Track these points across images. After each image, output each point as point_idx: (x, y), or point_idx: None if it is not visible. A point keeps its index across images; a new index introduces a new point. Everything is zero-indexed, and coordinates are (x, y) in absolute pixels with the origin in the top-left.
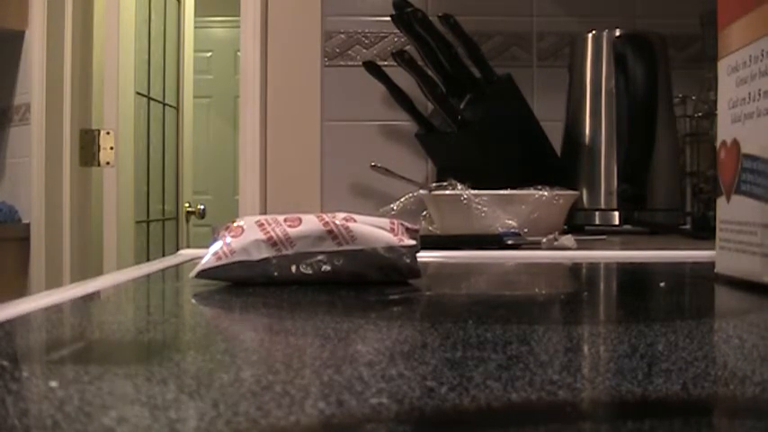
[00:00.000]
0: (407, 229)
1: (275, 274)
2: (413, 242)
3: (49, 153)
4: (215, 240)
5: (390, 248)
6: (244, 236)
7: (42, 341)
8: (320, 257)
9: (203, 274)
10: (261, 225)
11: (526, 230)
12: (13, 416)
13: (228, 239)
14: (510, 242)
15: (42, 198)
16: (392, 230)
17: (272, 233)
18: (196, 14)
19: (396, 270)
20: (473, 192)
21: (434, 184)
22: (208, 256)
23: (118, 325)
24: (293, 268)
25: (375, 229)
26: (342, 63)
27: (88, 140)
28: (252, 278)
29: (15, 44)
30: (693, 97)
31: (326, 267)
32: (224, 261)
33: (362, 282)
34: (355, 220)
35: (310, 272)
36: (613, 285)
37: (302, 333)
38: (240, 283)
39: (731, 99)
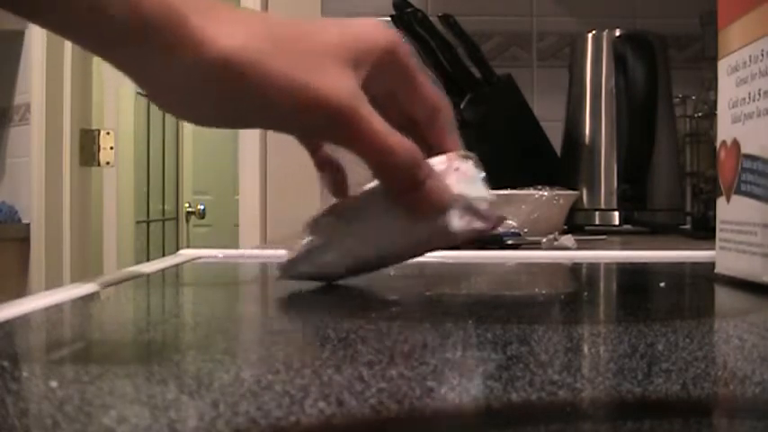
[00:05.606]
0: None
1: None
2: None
3: (48, 153)
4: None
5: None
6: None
7: (42, 341)
8: None
9: (287, 269)
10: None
11: (526, 230)
12: (13, 416)
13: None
14: (510, 242)
15: (42, 198)
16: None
17: None
18: None
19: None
20: None
21: None
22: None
23: (118, 325)
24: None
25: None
26: None
27: (88, 140)
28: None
29: (15, 44)
30: (693, 97)
31: None
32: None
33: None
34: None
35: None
36: (613, 285)
37: (302, 333)
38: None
39: (731, 99)
